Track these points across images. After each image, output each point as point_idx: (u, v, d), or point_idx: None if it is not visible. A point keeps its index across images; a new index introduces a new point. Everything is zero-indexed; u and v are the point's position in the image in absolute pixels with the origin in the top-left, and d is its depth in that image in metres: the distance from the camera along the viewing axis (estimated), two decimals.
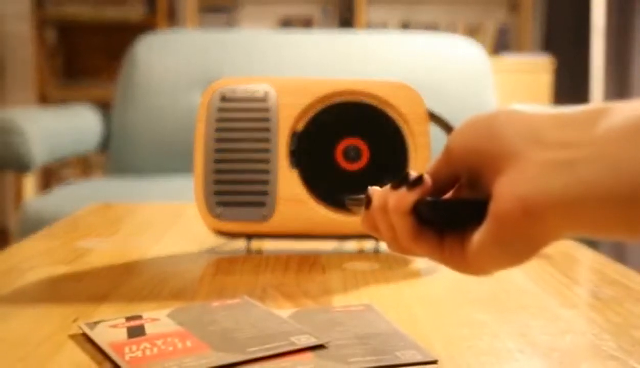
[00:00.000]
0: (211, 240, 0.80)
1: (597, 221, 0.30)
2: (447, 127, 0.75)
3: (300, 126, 0.72)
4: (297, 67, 1.91)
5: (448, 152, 0.38)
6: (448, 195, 0.40)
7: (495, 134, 0.34)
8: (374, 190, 0.41)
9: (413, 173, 0.38)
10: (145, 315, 0.51)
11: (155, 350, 0.44)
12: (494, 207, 0.33)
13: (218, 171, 0.71)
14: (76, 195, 1.53)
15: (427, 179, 0.37)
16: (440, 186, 0.39)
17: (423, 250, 0.39)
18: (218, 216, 0.71)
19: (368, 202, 0.41)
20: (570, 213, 0.31)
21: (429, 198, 0.37)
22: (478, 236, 0.35)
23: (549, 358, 0.44)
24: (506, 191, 0.32)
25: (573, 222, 0.31)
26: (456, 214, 0.36)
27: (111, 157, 1.93)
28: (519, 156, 0.33)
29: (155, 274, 0.64)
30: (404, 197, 0.37)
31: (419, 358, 0.43)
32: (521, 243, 0.33)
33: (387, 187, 0.39)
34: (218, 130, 0.72)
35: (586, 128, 0.31)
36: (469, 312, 0.54)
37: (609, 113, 0.31)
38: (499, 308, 0.55)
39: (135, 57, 1.94)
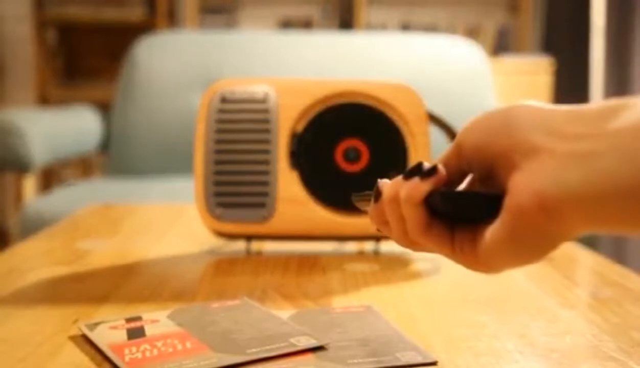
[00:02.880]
0: (211, 241, 0.80)
1: (615, 216, 0.29)
2: (447, 129, 0.75)
3: (300, 127, 0.72)
4: (296, 68, 1.91)
5: (458, 149, 0.37)
6: (460, 187, 0.39)
7: (510, 129, 0.34)
8: (384, 183, 0.39)
9: (426, 163, 0.37)
10: (145, 316, 0.51)
11: (155, 351, 0.44)
12: (509, 202, 0.32)
13: (218, 172, 0.71)
14: (76, 196, 1.53)
15: (442, 169, 0.36)
16: (448, 181, 0.38)
17: (433, 244, 0.37)
18: (218, 217, 0.71)
19: (378, 194, 0.40)
20: (588, 207, 0.30)
21: (442, 189, 0.36)
22: (491, 232, 0.34)
23: (548, 359, 0.44)
24: (522, 185, 0.32)
25: (590, 217, 0.30)
26: (470, 207, 0.35)
27: (111, 157, 1.93)
28: (535, 150, 0.32)
29: (155, 275, 0.64)
30: (417, 187, 0.36)
31: (419, 359, 0.43)
32: (536, 240, 0.32)
33: (399, 177, 0.38)
34: (218, 131, 0.72)
35: (604, 121, 0.30)
36: (469, 313, 0.54)
37: (628, 107, 0.30)
38: (498, 309, 0.55)
39: (135, 58, 1.94)
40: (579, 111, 0.32)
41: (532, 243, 0.33)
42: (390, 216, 0.39)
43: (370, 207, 0.41)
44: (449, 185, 0.38)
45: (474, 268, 0.36)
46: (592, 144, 0.30)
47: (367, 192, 0.42)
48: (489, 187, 0.37)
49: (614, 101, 0.31)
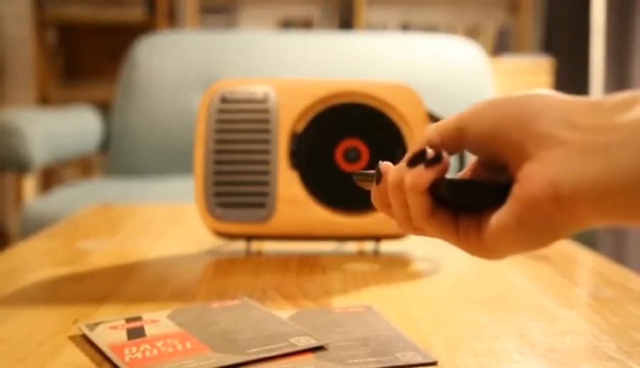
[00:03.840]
0: (211, 241, 0.80)
1: (627, 209, 0.29)
2: None
3: (300, 127, 0.72)
4: (297, 68, 1.91)
5: (461, 133, 0.36)
6: (462, 174, 0.39)
7: (525, 117, 0.33)
8: (388, 166, 0.39)
9: (430, 151, 0.36)
10: (145, 316, 0.51)
11: (155, 351, 0.44)
12: (520, 191, 0.32)
13: (218, 172, 0.71)
14: (76, 196, 1.53)
15: (446, 156, 0.36)
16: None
17: (436, 230, 0.37)
18: (218, 217, 0.71)
19: (379, 177, 0.40)
20: (600, 200, 0.30)
21: (447, 177, 0.36)
22: (498, 219, 0.34)
23: (548, 359, 0.44)
24: (536, 175, 0.31)
25: (602, 209, 0.30)
26: (475, 196, 0.35)
27: (111, 157, 1.93)
28: (550, 140, 0.32)
29: (155, 275, 0.65)
30: (421, 175, 0.36)
31: (419, 359, 0.43)
32: (545, 229, 0.32)
33: (403, 163, 0.38)
34: (218, 131, 0.72)
35: (619, 114, 0.30)
36: (469, 313, 0.54)
37: None
38: (498, 309, 0.55)
39: (135, 58, 1.94)
40: (595, 103, 0.32)
41: (540, 232, 0.33)
42: (394, 202, 0.39)
43: (372, 190, 0.41)
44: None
45: (479, 255, 0.36)
46: (606, 136, 0.30)
47: (369, 171, 0.42)
48: (491, 171, 0.37)
49: (630, 94, 0.31)
